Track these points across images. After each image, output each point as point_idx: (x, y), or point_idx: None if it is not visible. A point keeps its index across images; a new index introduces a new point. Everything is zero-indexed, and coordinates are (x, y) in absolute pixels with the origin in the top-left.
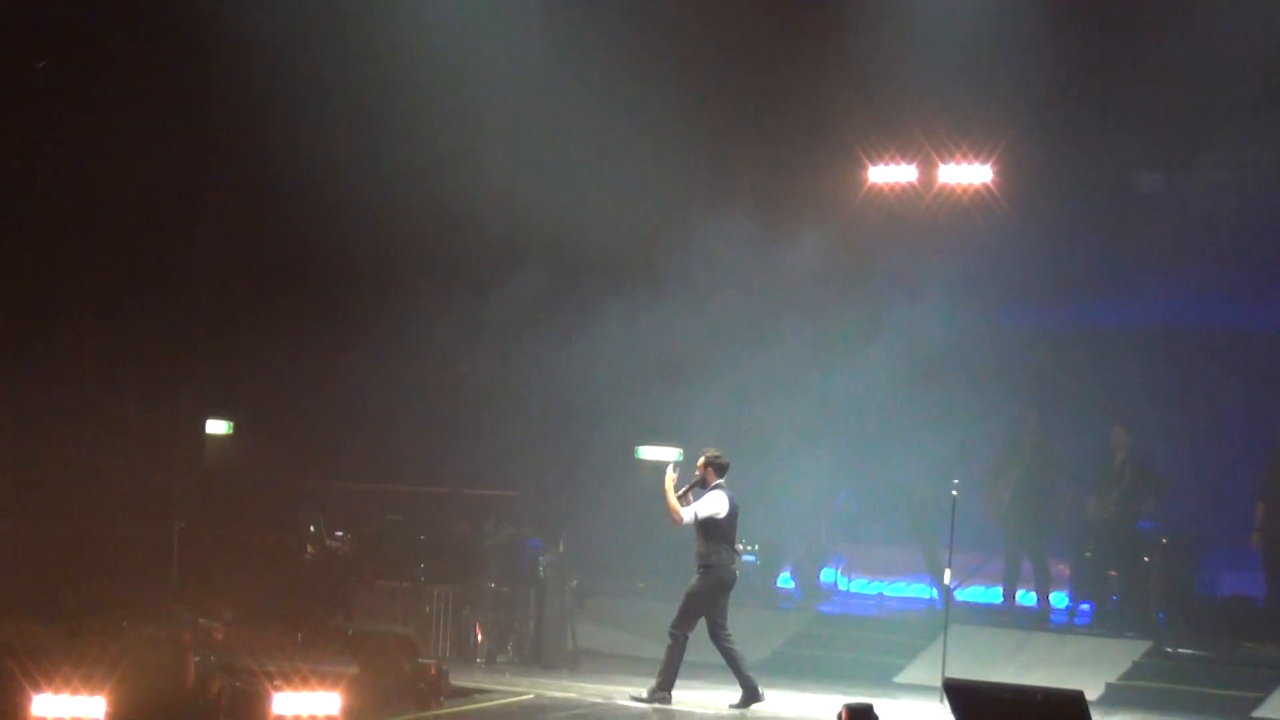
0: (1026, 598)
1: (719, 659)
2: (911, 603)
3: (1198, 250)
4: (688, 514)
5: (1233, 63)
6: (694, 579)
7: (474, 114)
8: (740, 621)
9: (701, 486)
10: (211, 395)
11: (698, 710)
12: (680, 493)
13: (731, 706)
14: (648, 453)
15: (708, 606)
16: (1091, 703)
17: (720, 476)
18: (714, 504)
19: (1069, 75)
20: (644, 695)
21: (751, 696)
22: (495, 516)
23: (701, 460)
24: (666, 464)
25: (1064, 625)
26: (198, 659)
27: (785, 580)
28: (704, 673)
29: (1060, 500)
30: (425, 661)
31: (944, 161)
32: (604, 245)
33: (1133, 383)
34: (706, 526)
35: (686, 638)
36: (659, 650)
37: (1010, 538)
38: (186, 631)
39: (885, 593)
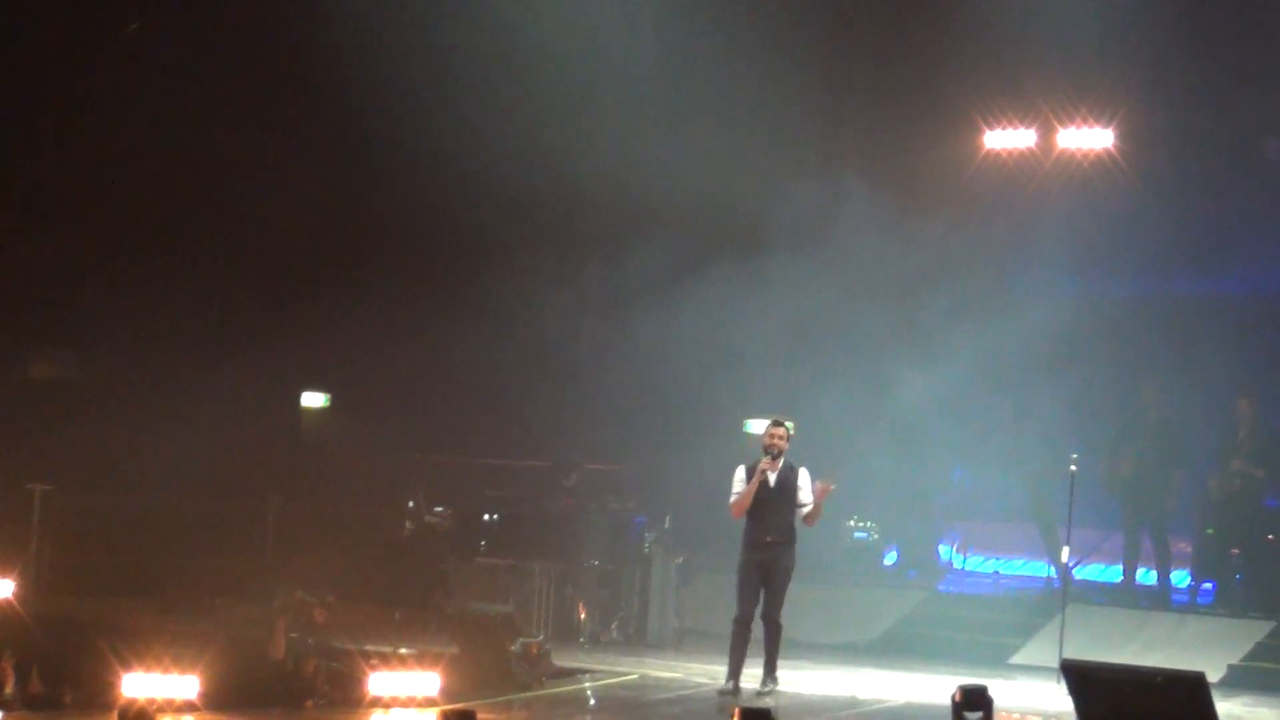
0: (1147, 576)
1: (804, 635)
2: (1028, 581)
3: None
4: (815, 506)
5: None
6: (788, 556)
7: (582, 79)
8: (853, 600)
9: (775, 458)
10: (308, 367)
11: (806, 692)
12: (759, 470)
13: (761, 693)
14: (756, 426)
15: None
16: (1213, 684)
17: None
18: (808, 476)
19: (1193, 35)
20: (761, 689)
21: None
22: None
23: (784, 430)
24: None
25: (1185, 605)
26: (293, 636)
27: (891, 558)
28: (807, 653)
29: (1183, 475)
30: (527, 641)
31: (1064, 126)
32: (713, 214)
33: (1262, 353)
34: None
35: None
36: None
37: (1130, 514)
38: (282, 609)
39: (1001, 571)
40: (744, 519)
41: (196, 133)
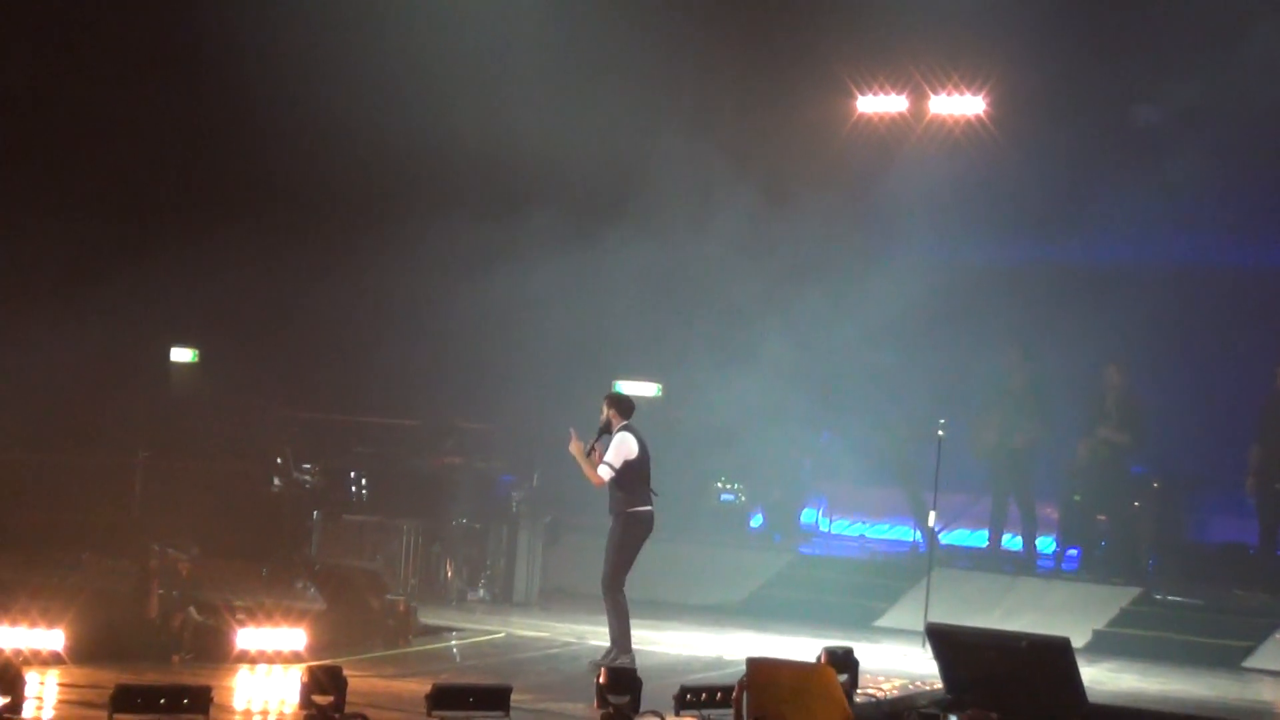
0: (1013, 542)
1: (670, 596)
2: (894, 545)
3: (1200, 186)
4: (604, 472)
5: None
6: (616, 529)
7: (458, 38)
8: (718, 562)
9: (607, 431)
10: (178, 322)
11: (672, 652)
12: (589, 445)
13: (594, 664)
14: (626, 387)
15: (634, 555)
16: (1078, 650)
17: (626, 416)
18: (624, 448)
19: (1064, 2)
20: (599, 660)
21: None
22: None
23: (605, 400)
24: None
25: (1051, 570)
26: (160, 592)
27: (757, 520)
28: (673, 613)
29: (1049, 442)
30: (393, 598)
31: (935, 92)
32: (587, 176)
33: (1130, 321)
34: (622, 472)
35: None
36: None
37: (997, 480)
38: (149, 563)
39: (868, 534)
40: (637, 486)
41: (65, 81)
